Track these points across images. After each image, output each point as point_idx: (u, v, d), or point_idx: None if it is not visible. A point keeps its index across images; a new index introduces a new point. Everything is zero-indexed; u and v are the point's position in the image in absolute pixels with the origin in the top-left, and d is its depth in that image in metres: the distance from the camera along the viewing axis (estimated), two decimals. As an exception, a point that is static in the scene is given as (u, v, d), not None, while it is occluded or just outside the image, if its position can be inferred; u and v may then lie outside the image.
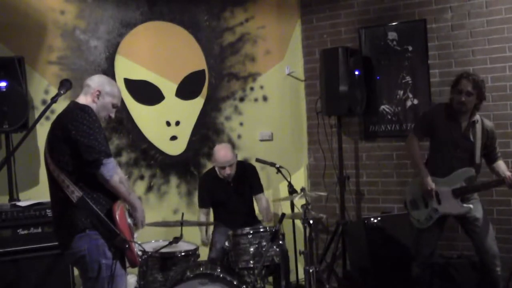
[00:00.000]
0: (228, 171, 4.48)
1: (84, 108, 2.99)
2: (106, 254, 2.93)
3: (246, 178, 4.66)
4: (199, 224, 4.49)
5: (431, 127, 4.11)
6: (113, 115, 3.21)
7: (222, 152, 4.49)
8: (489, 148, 4.06)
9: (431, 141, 4.20)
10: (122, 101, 4.75)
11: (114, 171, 2.93)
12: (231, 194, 4.59)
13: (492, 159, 4.08)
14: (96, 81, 3.15)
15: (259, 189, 4.70)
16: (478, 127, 4.00)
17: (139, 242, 3.09)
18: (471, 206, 3.99)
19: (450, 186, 3.99)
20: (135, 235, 3.14)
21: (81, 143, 2.89)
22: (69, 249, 2.96)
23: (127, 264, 3.08)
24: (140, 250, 3.22)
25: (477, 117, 4.01)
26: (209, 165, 5.02)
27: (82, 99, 3.10)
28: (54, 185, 3.00)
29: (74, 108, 3.02)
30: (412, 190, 4.23)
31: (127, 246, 2.91)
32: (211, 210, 4.71)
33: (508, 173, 3.93)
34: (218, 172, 4.57)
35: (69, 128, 2.91)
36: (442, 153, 4.07)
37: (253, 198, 4.72)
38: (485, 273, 4.02)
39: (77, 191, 2.91)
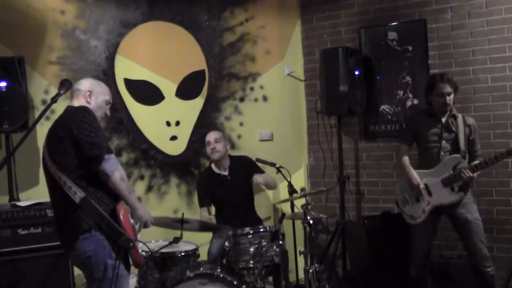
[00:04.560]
0: (212, 145, 4.64)
1: (84, 108, 3.05)
2: (111, 255, 2.94)
3: (243, 170, 4.68)
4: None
5: (415, 129, 4.27)
6: (108, 113, 3.27)
7: (210, 132, 4.79)
8: (471, 143, 4.12)
9: (418, 142, 4.29)
10: (122, 101, 4.81)
11: (115, 167, 2.95)
12: (229, 188, 4.61)
13: (471, 157, 4.12)
14: (84, 83, 3.21)
15: (260, 171, 4.74)
16: (460, 121, 4.12)
17: (143, 242, 3.09)
18: (462, 193, 4.03)
19: (439, 176, 4.05)
20: (138, 235, 3.14)
21: (83, 140, 2.91)
22: (74, 251, 2.96)
23: (130, 263, 3.08)
24: (144, 250, 3.22)
25: (456, 113, 4.15)
26: (208, 165, 5.03)
27: (76, 103, 3.14)
28: (55, 188, 3.00)
29: (74, 110, 3.06)
30: (401, 187, 4.30)
31: (131, 245, 2.91)
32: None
33: (467, 173, 3.94)
34: (209, 155, 4.71)
35: (71, 127, 2.94)
36: (428, 147, 4.16)
37: (253, 195, 4.74)
38: (478, 274, 4.04)
39: (79, 191, 2.91)
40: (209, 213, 4.65)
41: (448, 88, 4.05)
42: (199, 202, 4.74)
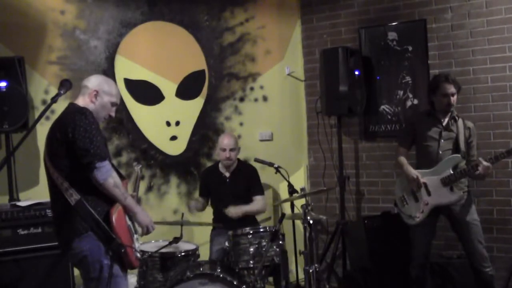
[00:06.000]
0: (227, 154, 4.56)
1: (82, 110, 3.00)
2: (107, 255, 2.93)
3: (245, 178, 4.65)
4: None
5: (414, 130, 4.27)
6: (113, 114, 3.22)
7: (226, 137, 4.67)
8: (469, 147, 4.12)
9: (416, 142, 4.28)
10: (122, 101, 4.80)
11: (108, 175, 2.92)
12: (227, 189, 4.60)
13: (467, 162, 4.10)
14: (93, 81, 3.15)
15: (258, 191, 4.68)
16: (460, 123, 4.13)
17: (136, 247, 3.07)
18: (461, 193, 4.03)
19: (439, 176, 4.05)
20: (135, 236, 3.12)
21: (77, 146, 2.89)
22: (71, 250, 2.96)
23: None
24: (143, 250, 3.21)
25: (457, 115, 4.15)
26: (209, 165, 5.03)
27: (81, 101, 3.11)
28: (54, 188, 3.00)
29: (73, 111, 3.02)
30: (400, 187, 4.31)
31: (122, 250, 2.90)
32: (211, 210, 4.72)
33: (484, 162, 3.89)
34: (218, 157, 4.67)
35: (68, 131, 2.92)
36: (426, 146, 4.16)
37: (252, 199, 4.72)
38: (477, 274, 4.05)
39: (75, 194, 2.91)
40: (202, 204, 4.67)
41: (452, 89, 4.06)
42: (199, 190, 4.83)
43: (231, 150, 4.58)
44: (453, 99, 4.08)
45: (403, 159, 4.25)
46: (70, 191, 2.91)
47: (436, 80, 4.16)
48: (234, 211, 4.46)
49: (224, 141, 4.62)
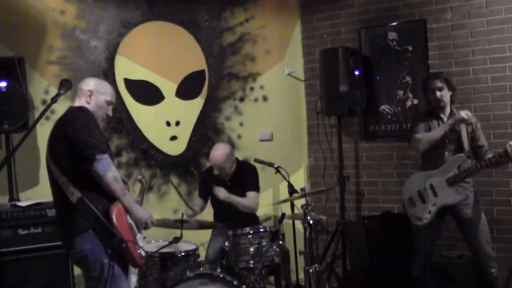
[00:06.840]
0: (216, 171, 4.47)
1: (81, 108, 3.07)
2: (108, 254, 2.94)
3: (243, 178, 4.64)
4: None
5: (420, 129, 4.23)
6: (110, 113, 3.26)
7: (216, 152, 4.46)
8: (476, 140, 4.11)
9: None
10: (122, 101, 4.81)
11: (108, 167, 2.94)
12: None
13: (481, 155, 4.09)
14: (87, 83, 3.22)
15: (251, 187, 4.53)
16: None
17: (139, 244, 3.07)
18: (467, 192, 4.03)
19: (444, 176, 4.04)
20: (139, 235, 3.12)
21: (77, 140, 2.92)
22: (73, 249, 2.97)
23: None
24: (145, 250, 3.21)
25: (457, 112, 4.12)
26: (209, 165, 5.02)
27: (77, 103, 3.18)
28: (56, 187, 3.02)
29: (71, 110, 3.09)
30: (408, 188, 4.28)
31: (124, 245, 2.90)
32: (212, 211, 4.72)
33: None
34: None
35: (67, 127, 2.96)
36: (432, 147, 4.11)
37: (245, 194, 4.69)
38: (481, 274, 4.04)
39: (76, 192, 2.92)
40: (201, 207, 4.64)
41: (438, 83, 4.07)
42: (198, 191, 4.79)
43: (219, 168, 4.44)
44: (441, 94, 4.07)
45: (424, 133, 4.11)
46: (71, 189, 2.93)
47: (425, 78, 4.22)
48: (221, 193, 4.37)
49: (213, 159, 4.43)
